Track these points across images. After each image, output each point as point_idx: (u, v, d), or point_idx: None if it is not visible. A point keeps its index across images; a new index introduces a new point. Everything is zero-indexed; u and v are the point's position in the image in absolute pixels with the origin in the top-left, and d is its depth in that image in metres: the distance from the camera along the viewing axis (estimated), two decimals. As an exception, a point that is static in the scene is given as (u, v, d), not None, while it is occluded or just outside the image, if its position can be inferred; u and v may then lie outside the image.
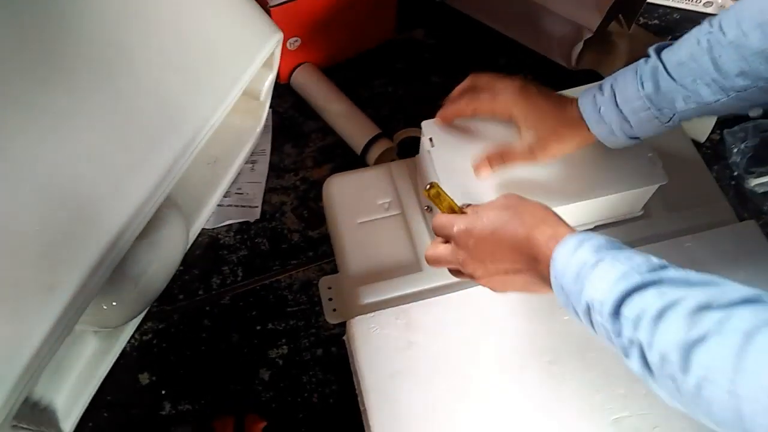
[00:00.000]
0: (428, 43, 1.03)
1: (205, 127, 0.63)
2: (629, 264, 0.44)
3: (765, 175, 0.83)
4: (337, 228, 0.73)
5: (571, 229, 0.50)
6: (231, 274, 0.81)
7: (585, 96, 0.61)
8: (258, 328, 0.78)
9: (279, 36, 0.74)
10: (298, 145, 0.92)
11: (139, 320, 0.77)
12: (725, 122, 0.89)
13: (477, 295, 0.67)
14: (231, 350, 0.76)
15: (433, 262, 0.59)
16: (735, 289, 0.39)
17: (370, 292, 0.68)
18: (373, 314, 0.66)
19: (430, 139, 0.68)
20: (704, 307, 0.39)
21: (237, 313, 0.79)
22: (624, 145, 0.62)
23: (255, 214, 0.85)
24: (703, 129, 0.87)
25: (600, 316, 0.44)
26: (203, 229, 0.84)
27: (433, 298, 0.67)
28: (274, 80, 0.82)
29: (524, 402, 0.62)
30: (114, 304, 0.61)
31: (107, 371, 0.73)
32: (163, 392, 0.73)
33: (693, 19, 1.04)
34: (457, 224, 0.54)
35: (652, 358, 0.40)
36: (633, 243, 0.69)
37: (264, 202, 0.86)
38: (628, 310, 0.42)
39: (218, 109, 0.65)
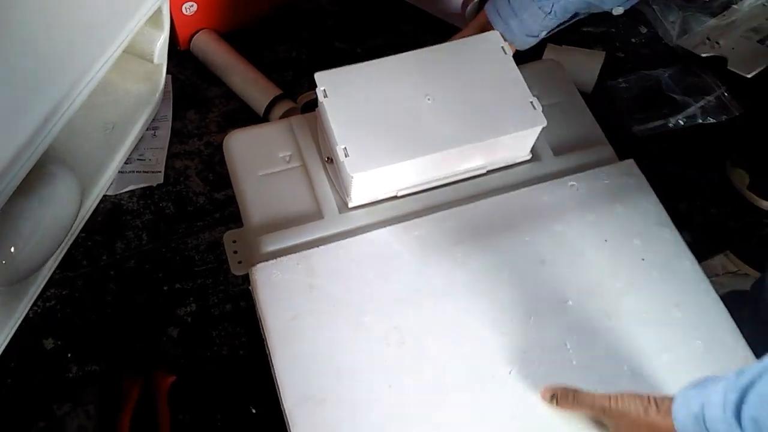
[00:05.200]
0: (331, 10, 1.04)
1: (83, 80, 0.62)
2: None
3: (647, 122, 0.89)
4: (239, 181, 0.74)
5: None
6: (135, 238, 0.81)
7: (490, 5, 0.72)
8: (165, 288, 0.78)
9: (161, -9, 0.73)
10: (201, 111, 0.92)
11: (41, 287, 0.75)
12: (611, 75, 0.94)
13: (373, 239, 0.69)
14: (137, 311, 0.76)
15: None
16: None
17: (272, 241, 0.69)
18: (275, 261, 0.68)
19: (324, 90, 0.70)
20: None
21: (143, 276, 0.78)
22: (526, 44, 0.74)
23: (158, 179, 0.85)
24: (590, 80, 0.92)
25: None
26: (105, 195, 0.83)
27: (332, 244, 0.69)
28: (167, 42, 0.82)
29: (421, 333, 0.64)
30: (7, 258, 0.60)
31: (9, 338, 0.71)
32: (69, 356, 0.73)
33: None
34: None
35: None
36: (523, 184, 0.74)
37: (168, 167, 0.86)
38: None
39: (97, 62, 0.64)
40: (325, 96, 0.69)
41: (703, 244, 0.73)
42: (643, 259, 0.69)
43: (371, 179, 0.68)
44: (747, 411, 0.45)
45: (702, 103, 0.90)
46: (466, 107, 0.69)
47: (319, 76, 0.70)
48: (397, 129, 0.68)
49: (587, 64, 0.91)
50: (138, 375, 0.70)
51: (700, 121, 0.90)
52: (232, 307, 0.77)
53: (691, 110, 0.90)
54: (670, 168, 0.83)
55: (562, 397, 0.60)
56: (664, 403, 0.53)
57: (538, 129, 0.70)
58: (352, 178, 0.66)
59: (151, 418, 0.69)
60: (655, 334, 0.64)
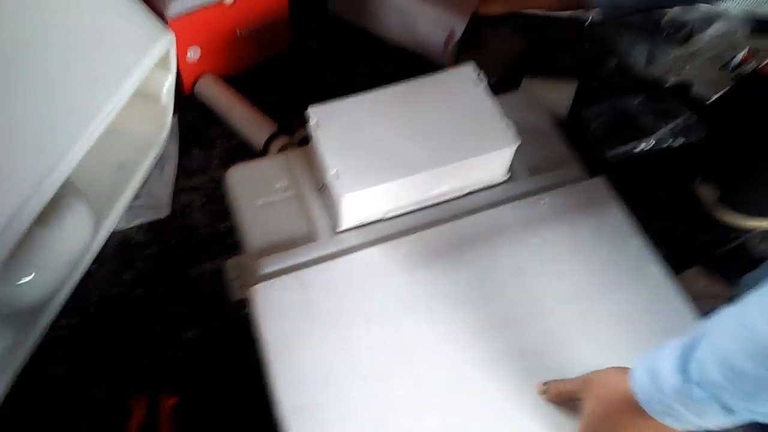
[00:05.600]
0: (322, 54, 1.12)
1: (94, 122, 0.68)
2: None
3: (618, 146, 0.96)
4: (238, 211, 0.80)
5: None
6: (144, 267, 0.86)
7: None
8: (170, 314, 0.82)
9: (169, 37, 0.80)
10: (205, 148, 0.98)
11: (53, 315, 0.80)
12: (584, 104, 1.01)
13: (362, 257, 0.74)
14: (144, 337, 0.81)
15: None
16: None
17: (269, 263, 0.75)
18: (271, 281, 0.73)
19: (316, 122, 0.76)
20: None
21: (149, 304, 0.83)
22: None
23: (165, 212, 0.91)
24: (563, 108, 0.98)
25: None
26: (114, 231, 0.88)
27: (324, 263, 0.74)
28: (174, 83, 0.89)
29: (409, 342, 0.69)
30: (22, 282, 0.65)
31: (23, 364, 0.76)
32: (77, 380, 0.77)
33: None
34: None
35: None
36: (502, 202, 0.79)
37: (174, 201, 0.92)
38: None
39: (108, 105, 0.70)
40: (317, 127, 0.76)
41: (675, 260, 0.77)
42: (612, 266, 0.74)
43: (359, 200, 0.73)
44: (695, 361, 0.49)
45: (671, 126, 0.97)
46: (445, 132, 0.76)
47: (311, 110, 0.77)
48: (382, 154, 0.74)
49: (560, 93, 0.98)
50: (143, 395, 0.75)
51: (670, 143, 0.96)
52: (234, 331, 0.81)
53: (660, 134, 0.96)
54: (641, 190, 0.88)
55: (550, 387, 0.65)
56: (625, 369, 0.57)
57: (512, 149, 0.76)
58: (342, 199, 0.71)
59: (156, 437, 0.73)
60: (627, 334, 0.69)
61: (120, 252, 0.87)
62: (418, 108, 0.78)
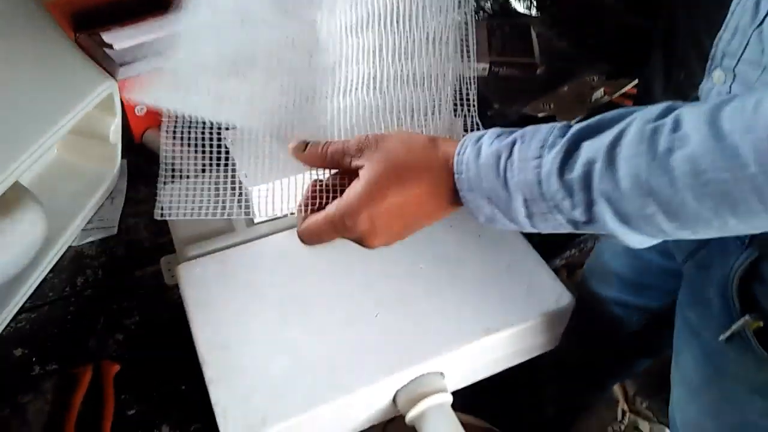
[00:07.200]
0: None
1: (26, 154, 0.82)
2: (540, 136, 0.45)
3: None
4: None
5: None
6: (93, 274, 1.01)
7: None
8: (114, 307, 0.97)
9: (109, 83, 1.00)
10: (150, 185, 1.15)
11: (12, 313, 0.94)
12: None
13: (272, 241, 0.91)
14: (92, 326, 0.94)
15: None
16: (653, 107, 0.42)
17: (193, 249, 0.91)
18: (195, 260, 0.88)
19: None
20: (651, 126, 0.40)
21: (97, 301, 0.98)
22: None
23: (113, 231, 1.07)
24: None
25: (544, 198, 0.44)
26: (70, 246, 1.04)
27: (240, 246, 0.90)
28: (120, 126, 1.07)
29: (308, 298, 0.84)
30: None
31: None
32: (34, 359, 0.90)
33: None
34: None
35: (624, 185, 0.41)
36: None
37: (121, 222, 1.08)
38: (570, 172, 0.43)
39: (41, 138, 0.85)
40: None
41: (549, 245, 0.95)
42: (479, 236, 0.91)
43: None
44: (584, 148, 0.43)
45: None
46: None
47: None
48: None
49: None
50: (88, 363, 0.87)
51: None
52: (169, 317, 0.95)
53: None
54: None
55: (312, 146, 0.56)
56: (432, 138, 0.50)
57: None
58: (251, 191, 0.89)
59: (98, 399, 0.85)
60: (491, 286, 0.85)
61: (73, 263, 1.03)
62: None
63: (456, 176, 0.49)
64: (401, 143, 0.50)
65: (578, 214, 0.44)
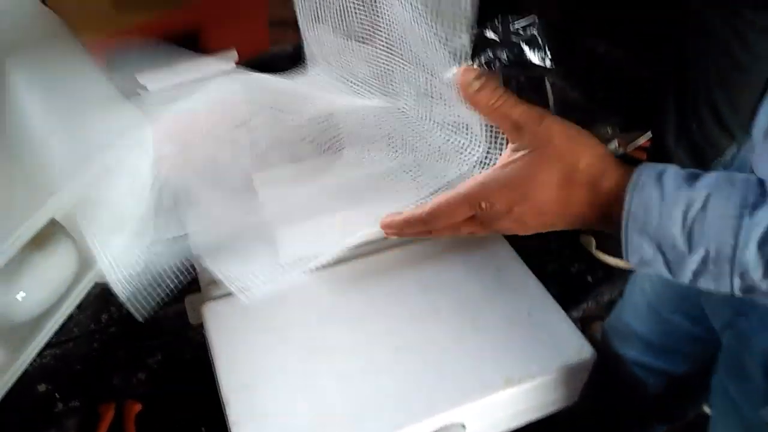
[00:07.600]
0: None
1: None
2: (738, 192, 0.40)
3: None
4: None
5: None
6: (117, 311, 1.03)
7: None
8: (138, 345, 0.98)
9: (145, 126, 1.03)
10: (175, 223, 1.19)
11: (40, 346, 0.95)
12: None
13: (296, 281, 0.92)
14: (116, 362, 0.96)
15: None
16: None
17: (219, 288, 0.92)
18: (221, 299, 0.90)
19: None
20: None
21: (121, 338, 0.99)
22: None
23: (138, 268, 1.09)
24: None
25: (732, 262, 0.40)
26: (97, 282, 1.06)
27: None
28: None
29: (330, 337, 0.85)
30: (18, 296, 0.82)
31: (12, 383, 0.90)
32: (57, 396, 0.91)
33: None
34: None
35: None
36: (410, 242, 0.99)
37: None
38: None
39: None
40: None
41: (566, 297, 0.96)
42: (498, 282, 0.93)
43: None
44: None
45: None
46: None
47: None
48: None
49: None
50: (111, 402, 0.89)
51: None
52: (191, 356, 0.97)
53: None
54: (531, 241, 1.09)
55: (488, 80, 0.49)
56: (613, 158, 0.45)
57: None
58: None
59: (121, 437, 0.86)
60: (512, 334, 0.85)
61: (99, 300, 1.04)
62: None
63: (625, 211, 0.43)
64: (569, 141, 0.46)
65: (766, 286, 0.40)
